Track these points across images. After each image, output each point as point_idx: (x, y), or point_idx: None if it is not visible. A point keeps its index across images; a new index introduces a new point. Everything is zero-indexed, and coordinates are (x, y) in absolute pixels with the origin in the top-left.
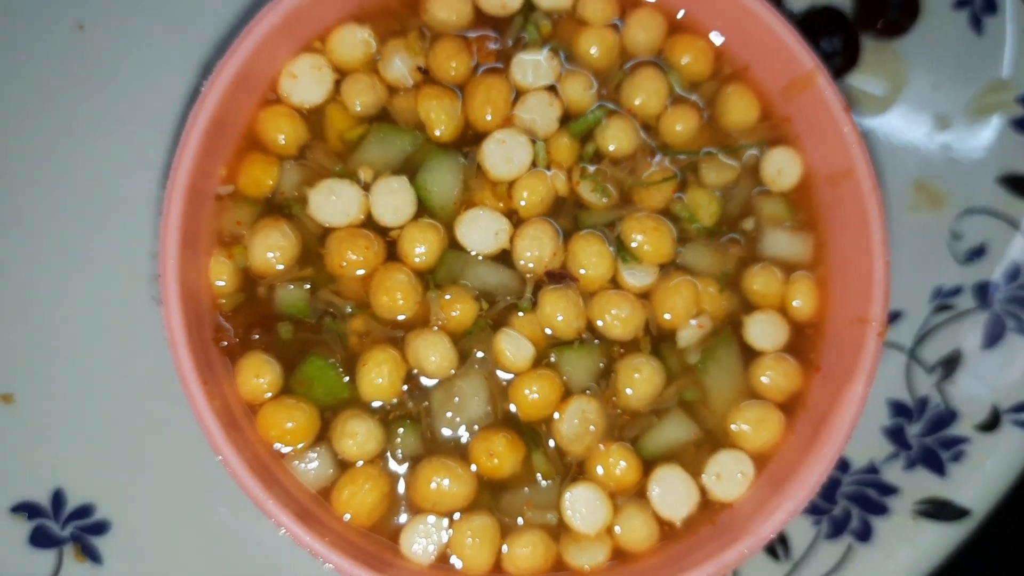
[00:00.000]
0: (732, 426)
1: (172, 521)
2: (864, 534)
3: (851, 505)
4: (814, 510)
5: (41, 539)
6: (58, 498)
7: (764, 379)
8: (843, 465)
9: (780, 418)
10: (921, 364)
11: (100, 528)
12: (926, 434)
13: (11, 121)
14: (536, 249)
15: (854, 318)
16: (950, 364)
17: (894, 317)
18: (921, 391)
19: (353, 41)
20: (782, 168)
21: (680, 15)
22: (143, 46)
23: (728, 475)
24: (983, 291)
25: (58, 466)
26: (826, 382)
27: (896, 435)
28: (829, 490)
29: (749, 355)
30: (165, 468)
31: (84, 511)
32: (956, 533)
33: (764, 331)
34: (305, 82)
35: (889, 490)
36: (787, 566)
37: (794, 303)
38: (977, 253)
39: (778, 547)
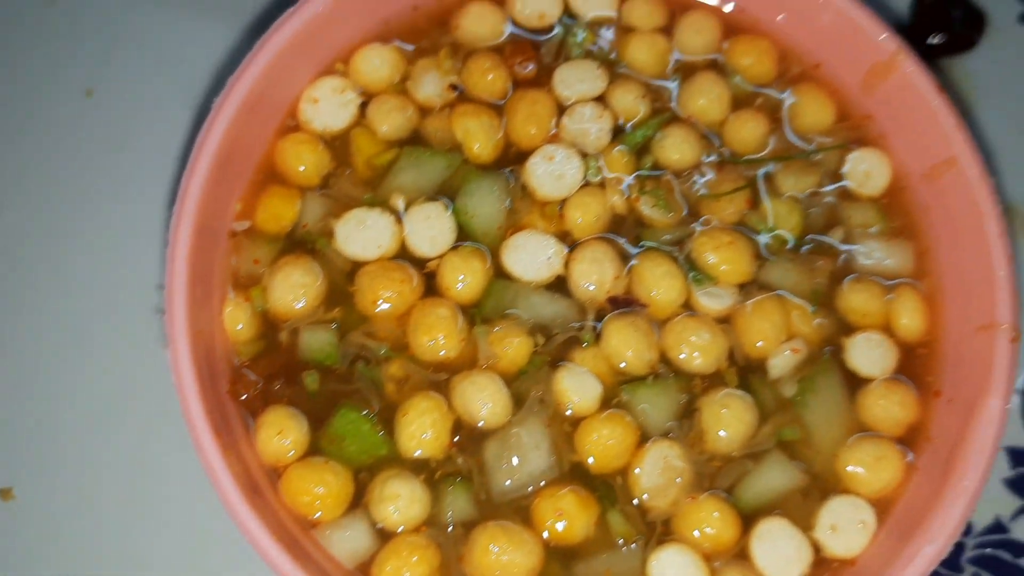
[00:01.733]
0: (844, 468)
1: None
2: None
3: (981, 572)
4: None
5: None
6: None
7: (876, 410)
8: (964, 527)
9: (900, 454)
10: None
11: None
12: None
13: (19, 190)
14: (595, 273)
15: (976, 327)
16: None
17: None
18: None
19: (378, 61)
20: (869, 171)
21: (729, 9)
22: (151, 108)
23: (845, 526)
24: None
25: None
26: (951, 407)
27: (1022, 486)
28: (951, 557)
29: (854, 384)
30: (180, 548)
31: None
32: None
33: (869, 354)
34: (327, 106)
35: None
36: None
37: (901, 320)
38: None
39: None
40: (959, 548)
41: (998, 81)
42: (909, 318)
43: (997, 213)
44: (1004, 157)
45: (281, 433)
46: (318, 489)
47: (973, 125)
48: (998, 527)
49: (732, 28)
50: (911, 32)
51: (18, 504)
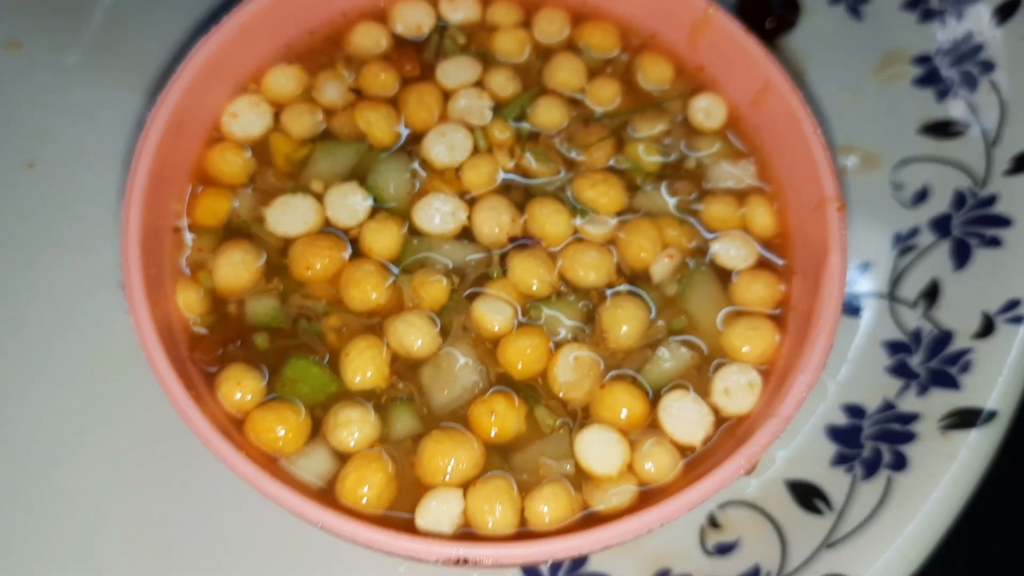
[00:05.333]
0: (728, 343)
1: None
2: (899, 464)
3: (878, 443)
4: (842, 459)
5: None
6: None
7: (746, 294)
8: (859, 412)
9: (771, 323)
10: (903, 303)
11: None
12: (929, 359)
13: None
14: (495, 219)
15: (812, 209)
16: (931, 294)
17: (864, 270)
18: (911, 325)
19: (284, 79)
20: (708, 110)
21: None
22: (90, 177)
23: (736, 388)
24: (938, 224)
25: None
26: (804, 279)
27: (901, 370)
28: (852, 437)
29: (725, 277)
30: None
31: None
32: (991, 436)
33: (733, 250)
34: (246, 118)
35: (911, 418)
36: (832, 517)
37: (756, 221)
38: (921, 196)
39: (818, 503)
40: (856, 429)
41: (820, 52)
42: (761, 218)
43: (809, 114)
44: (835, 109)
45: (240, 385)
46: (279, 426)
47: (806, 90)
48: (887, 406)
49: (579, 15)
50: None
51: None
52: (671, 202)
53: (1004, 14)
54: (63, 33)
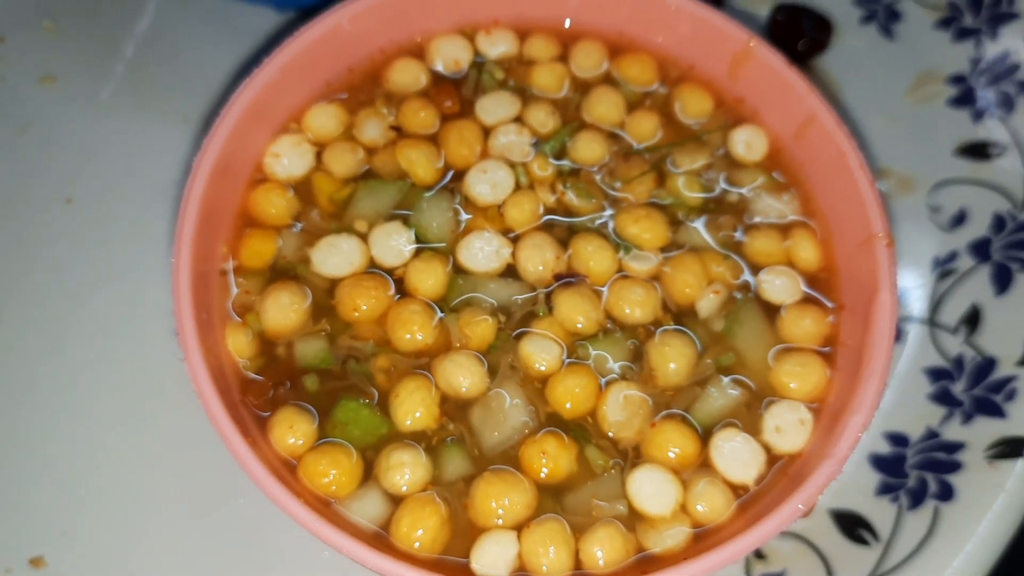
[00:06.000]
0: (778, 379)
1: None
2: (946, 494)
3: (923, 473)
4: (887, 489)
5: None
6: None
7: (794, 329)
8: (902, 440)
9: (820, 359)
10: (944, 328)
11: None
12: (972, 387)
13: (5, 291)
14: (539, 256)
15: (859, 244)
16: (972, 320)
17: (902, 295)
18: (953, 352)
19: (325, 118)
20: (748, 142)
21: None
22: (128, 210)
23: (787, 426)
24: (978, 248)
25: None
26: (853, 314)
27: (944, 397)
28: (897, 466)
29: (772, 312)
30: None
31: None
32: None
33: (778, 285)
34: (288, 158)
35: (956, 447)
36: (879, 549)
37: (801, 255)
38: (959, 219)
39: (864, 533)
40: (901, 459)
41: (853, 73)
42: (806, 252)
43: (855, 148)
44: (869, 131)
45: (292, 428)
46: (332, 469)
47: (840, 110)
48: (931, 434)
49: (616, 48)
50: (772, 45)
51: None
52: (715, 237)
53: None
54: (96, 67)
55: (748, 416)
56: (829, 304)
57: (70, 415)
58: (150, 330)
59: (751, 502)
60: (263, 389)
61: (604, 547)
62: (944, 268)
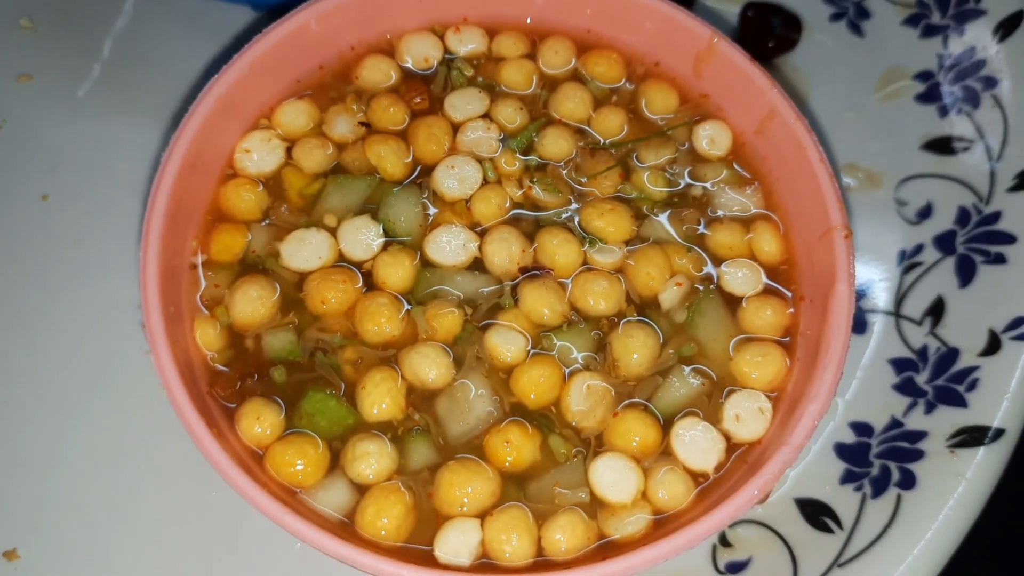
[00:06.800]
0: (738, 369)
1: None
2: (908, 482)
3: (887, 461)
4: (851, 477)
5: None
6: None
7: (755, 320)
8: (867, 430)
9: (780, 349)
10: (909, 320)
11: None
12: (935, 377)
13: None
14: (505, 249)
15: (818, 236)
16: (936, 311)
17: (869, 287)
18: (917, 343)
19: (295, 114)
20: (712, 137)
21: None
22: (103, 207)
23: (747, 415)
24: (943, 241)
25: None
26: (813, 305)
27: (908, 388)
28: (861, 455)
29: (733, 304)
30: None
31: None
32: (998, 454)
33: (740, 277)
34: (258, 154)
35: (919, 436)
36: (842, 536)
37: (763, 248)
38: (925, 213)
39: (828, 521)
40: (865, 447)
41: (822, 70)
42: (767, 245)
43: (815, 143)
44: (838, 127)
45: (259, 419)
46: (299, 459)
47: (809, 106)
48: (895, 424)
49: (584, 45)
50: (742, 42)
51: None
52: (678, 230)
53: (1006, 30)
54: (73, 65)
55: (709, 405)
56: (789, 295)
57: (43, 409)
58: (123, 325)
59: (711, 489)
60: (231, 381)
61: (566, 534)
62: (910, 261)
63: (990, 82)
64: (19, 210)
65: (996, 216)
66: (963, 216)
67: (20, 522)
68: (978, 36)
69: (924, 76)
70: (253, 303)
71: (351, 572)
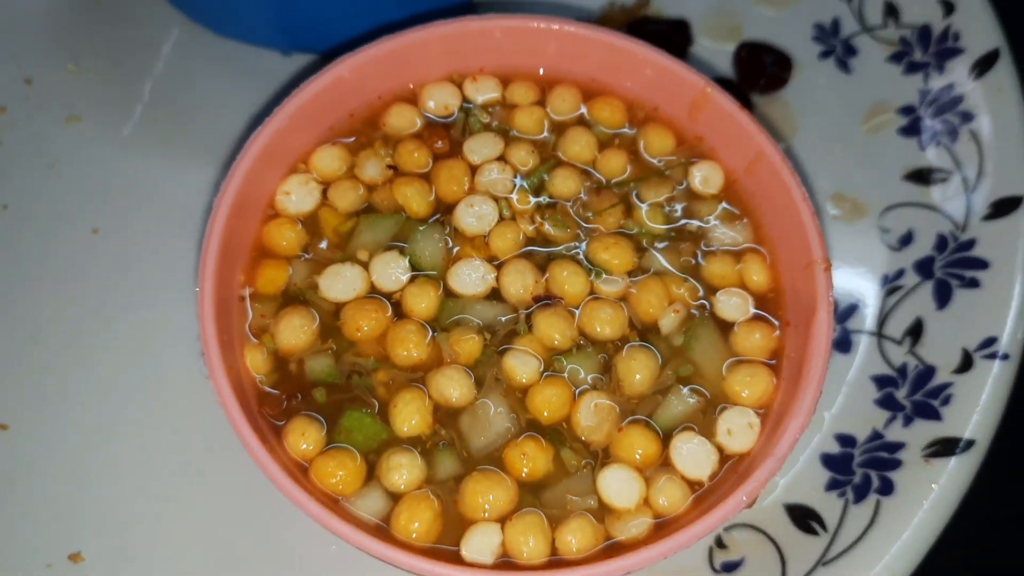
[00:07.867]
0: (730, 387)
1: None
2: (887, 489)
3: (868, 470)
4: (836, 484)
5: None
6: None
7: (745, 343)
8: (850, 441)
9: (767, 370)
10: (890, 340)
11: None
12: (913, 393)
13: (40, 316)
14: (519, 280)
15: (802, 268)
16: (915, 332)
17: (854, 309)
18: (898, 361)
19: (329, 158)
20: (706, 176)
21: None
22: (150, 239)
23: (738, 429)
24: (922, 266)
25: None
26: (796, 330)
27: (888, 403)
28: (845, 464)
29: (726, 328)
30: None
31: None
32: (969, 463)
33: (732, 304)
34: (297, 196)
35: (897, 447)
36: (826, 538)
37: (752, 278)
38: (906, 239)
39: (814, 524)
40: (849, 457)
41: (812, 105)
42: (756, 275)
43: (798, 183)
44: (827, 158)
45: (304, 435)
46: (339, 471)
47: (799, 138)
48: (876, 436)
49: (589, 92)
50: (738, 80)
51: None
52: (675, 262)
53: (982, 68)
54: (117, 106)
55: (703, 421)
56: (775, 321)
57: (104, 426)
58: (174, 351)
59: (705, 496)
60: (278, 401)
61: (577, 536)
62: (892, 284)
63: (967, 116)
64: (72, 241)
65: (971, 243)
66: (941, 243)
67: (85, 527)
68: (956, 73)
69: (907, 110)
70: (296, 331)
71: (383, 569)
